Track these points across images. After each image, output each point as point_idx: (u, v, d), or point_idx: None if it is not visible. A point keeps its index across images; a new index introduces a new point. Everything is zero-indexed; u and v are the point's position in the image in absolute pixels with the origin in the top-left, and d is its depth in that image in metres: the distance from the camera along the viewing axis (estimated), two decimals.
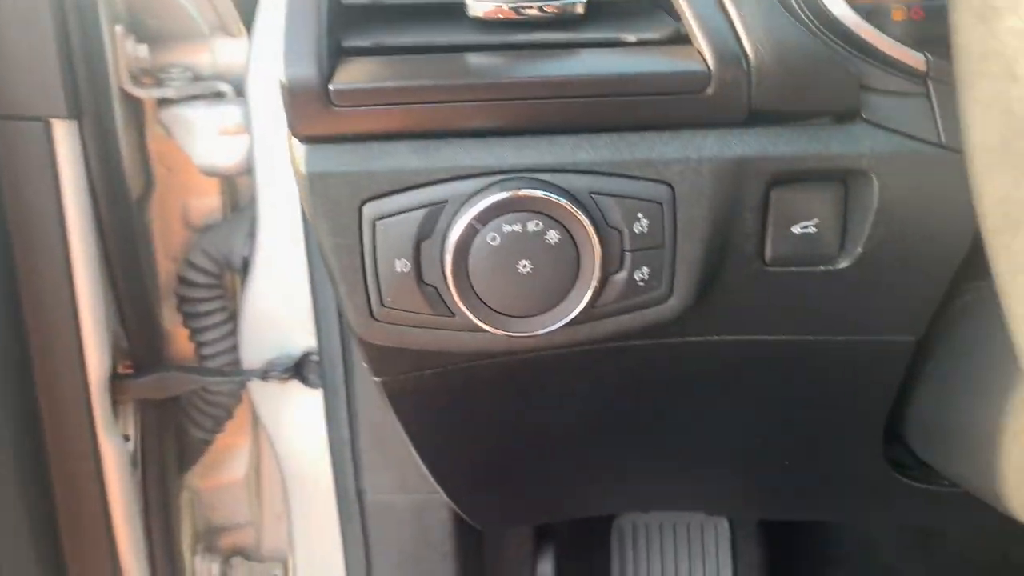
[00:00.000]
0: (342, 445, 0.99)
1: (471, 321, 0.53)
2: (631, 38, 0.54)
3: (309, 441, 1.04)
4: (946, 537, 1.33)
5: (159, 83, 0.97)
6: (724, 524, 1.31)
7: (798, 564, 1.36)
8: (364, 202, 0.52)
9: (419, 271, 0.53)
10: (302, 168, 0.52)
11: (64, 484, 0.93)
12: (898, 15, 0.58)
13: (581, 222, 0.51)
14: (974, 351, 0.59)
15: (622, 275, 0.54)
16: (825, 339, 0.63)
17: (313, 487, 1.07)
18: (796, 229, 0.56)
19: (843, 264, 0.57)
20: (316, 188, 0.52)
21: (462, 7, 0.54)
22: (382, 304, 0.54)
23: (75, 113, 0.87)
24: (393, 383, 0.63)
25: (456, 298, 0.53)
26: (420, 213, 0.52)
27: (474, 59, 0.53)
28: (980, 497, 0.62)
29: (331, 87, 0.50)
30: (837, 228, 0.56)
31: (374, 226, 0.53)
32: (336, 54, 0.52)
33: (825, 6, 0.53)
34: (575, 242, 0.52)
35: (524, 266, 0.52)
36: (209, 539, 1.15)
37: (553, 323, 0.54)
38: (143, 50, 0.95)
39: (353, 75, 0.51)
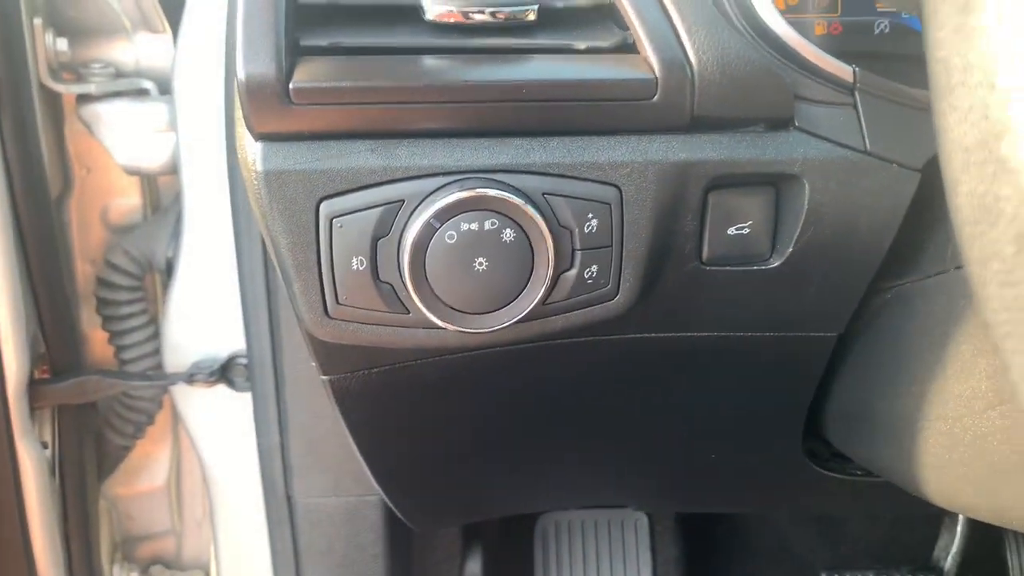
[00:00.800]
0: (272, 449, 0.97)
1: (426, 318, 0.54)
2: (581, 45, 0.56)
3: (235, 446, 1.03)
4: (845, 526, 1.41)
5: (80, 78, 0.95)
6: (643, 520, 1.35)
7: (715, 557, 1.41)
8: (321, 200, 0.53)
9: (375, 268, 0.54)
10: (258, 166, 0.52)
11: None
12: (819, 29, 0.62)
13: (535, 221, 0.53)
14: (896, 344, 0.63)
15: (572, 273, 0.56)
16: (755, 336, 0.66)
17: (239, 493, 1.05)
18: (731, 231, 0.59)
19: (775, 264, 0.60)
20: (272, 186, 0.52)
21: (418, 10, 0.55)
22: (337, 302, 0.55)
23: None
24: (341, 382, 0.63)
25: (413, 295, 0.53)
26: (377, 211, 0.53)
27: (431, 62, 0.54)
28: (899, 484, 0.67)
29: (291, 85, 0.50)
30: (769, 229, 0.60)
31: (331, 224, 0.53)
32: (294, 53, 0.53)
33: (761, 19, 0.57)
34: (529, 241, 0.54)
35: (480, 264, 0.53)
36: (128, 548, 1.11)
37: (507, 319, 0.55)
38: (63, 44, 0.92)
39: (312, 74, 0.51)
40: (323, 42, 0.54)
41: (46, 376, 0.95)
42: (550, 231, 0.54)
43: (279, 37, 0.51)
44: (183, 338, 1.00)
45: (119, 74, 0.97)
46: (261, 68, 0.50)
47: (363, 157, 0.53)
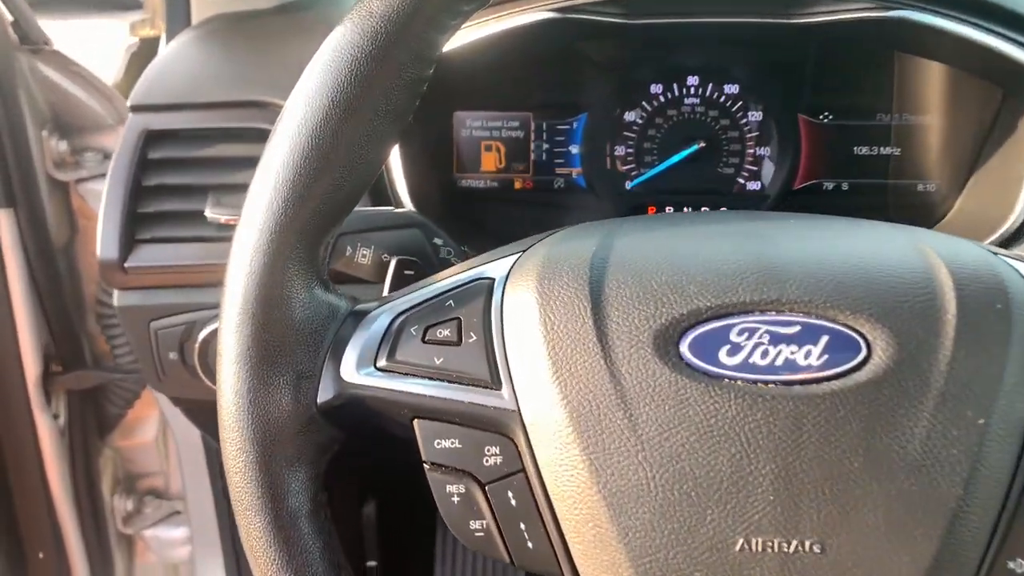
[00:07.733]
0: None
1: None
2: None
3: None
4: None
5: (78, 164, 1.32)
6: None
7: None
8: (150, 320, 0.92)
9: (182, 356, 0.93)
10: (116, 302, 0.94)
11: (11, 451, 1.34)
12: None
13: None
14: None
15: None
16: None
17: (195, 444, 1.46)
18: None
19: None
20: (123, 314, 0.94)
21: None
22: (158, 378, 0.96)
23: (11, 202, 1.24)
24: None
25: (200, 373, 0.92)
26: (181, 325, 0.92)
27: (209, 247, 0.90)
28: None
29: (126, 264, 0.91)
30: None
31: (152, 329, 0.93)
32: (130, 244, 0.92)
33: None
34: None
35: None
36: (128, 483, 1.56)
37: None
38: (64, 145, 1.30)
39: (138, 258, 0.92)
40: (148, 236, 0.91)
41: (59, 370, 1.37)
42: None
43: (122, 234, 0.87)
44: None
45: (107, 156, 1.34)
46: (108, 254, 0.89)
47: (167, 297, 0.91)
